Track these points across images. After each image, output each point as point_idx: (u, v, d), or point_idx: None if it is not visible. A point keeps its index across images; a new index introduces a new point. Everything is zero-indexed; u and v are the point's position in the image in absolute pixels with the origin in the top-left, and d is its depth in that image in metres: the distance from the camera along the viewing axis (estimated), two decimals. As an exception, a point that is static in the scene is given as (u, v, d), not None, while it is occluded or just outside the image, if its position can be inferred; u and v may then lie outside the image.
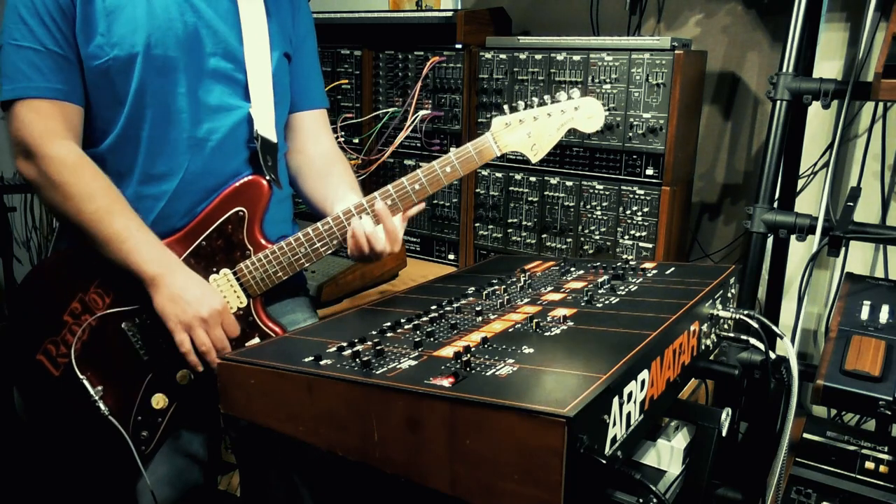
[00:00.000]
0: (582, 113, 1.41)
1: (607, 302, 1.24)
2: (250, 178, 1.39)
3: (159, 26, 1.30)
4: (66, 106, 1.29)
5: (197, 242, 1.36)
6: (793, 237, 1.68)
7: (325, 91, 1.65)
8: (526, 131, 1.40)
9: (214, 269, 1.37)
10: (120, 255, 1.27)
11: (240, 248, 1.37)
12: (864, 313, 1.44)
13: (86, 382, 1.31)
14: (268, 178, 1.39)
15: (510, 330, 1.11)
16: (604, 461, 0.80)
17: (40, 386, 1.36)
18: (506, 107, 1.41)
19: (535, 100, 1.42)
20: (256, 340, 1.38)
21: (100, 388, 1.33)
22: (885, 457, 1.45)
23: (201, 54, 1.35)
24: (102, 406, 1.31)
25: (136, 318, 1.35)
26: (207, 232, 1.36)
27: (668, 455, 1.20)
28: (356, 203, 1.38)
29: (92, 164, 1.30)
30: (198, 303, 1.29)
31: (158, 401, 1.35)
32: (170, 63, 1.32)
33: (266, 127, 1.40)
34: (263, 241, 1.38)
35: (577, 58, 1.94)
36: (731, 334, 1.37)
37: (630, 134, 1.89)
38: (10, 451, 2.89)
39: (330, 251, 1.39)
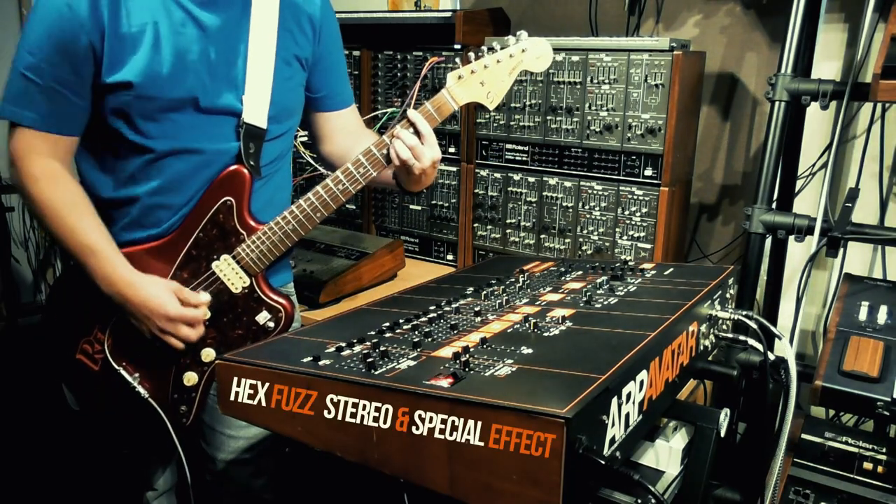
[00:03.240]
0: (530, 54, 1.44)
1: (606, 302, 1.24)
2: (232, 168, 1.44)
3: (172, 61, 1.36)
4: (57, 138, 1.37)
5: (195, 235, 1.43)
6: (791, 238, 1.68)
7: (350, 89, 1.72)
8: (479, 80, 1.44)
9: (215, 257, 1.44)
10: (86, 270, 1.38)
11: (234, 234, 1.44)
12: (863, 314, 1.44)
13: (123, 372, 1.45)
14: (248, 165, 1.45)
15: (509, 330, 1.11)
16: (602, 462, 0.80)
17: (85, 381, 1.50)
18: (458, 59, 1.45)
19: (484, 48, 1.45)
20: (265, 314, 1.47)
21: (136, 375, 1.46)
22: (883, 457, 1.45)
23: (209, 84, 1.40)
24: (142, 390, 1.45)
25: None
26: (202, 224, 1.43)
27: (666, 455, 1.20)
28: (361, 152, 1.45)
29: (65, 179, 1.37)
30: (150, 317, 1.38)
31: (189, 378, 1.47)
32: (181, 93, 1.37)
33: (255, 115, 1.45)
34: (254, 224, 1.45)
35: (575, 58, 1.94)
36: (730, 335, 1.37)
37: (629, 135, 1.89)
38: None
39: (317, 223, 1.46)
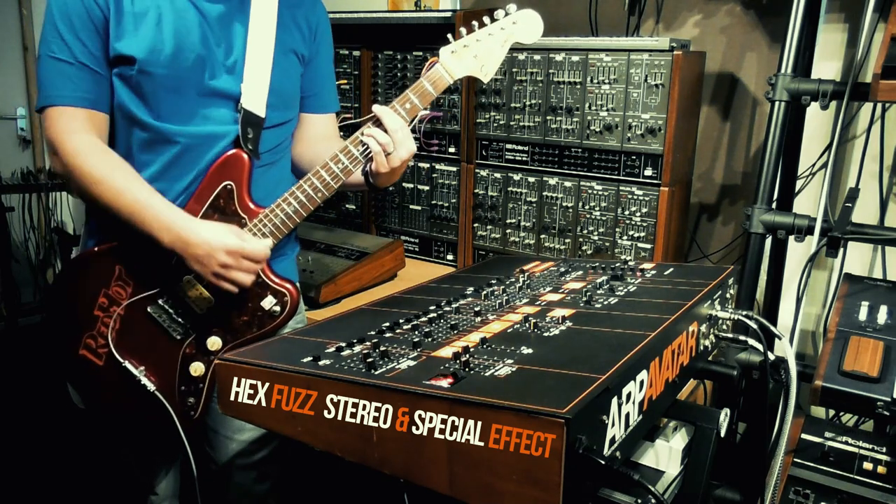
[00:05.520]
0: (521, 26, 1.48)
1: (606, 302, 1.24)
2: (231, 152, 1.45)
3: (178, 42, 1.38)
4: (92, 113, 1.40)
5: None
6: (791, 238, 1.68)
7: (336, 96, 1.73)
8: (472, 54, 1.48)
9: None
10: (141, 228, 1.37)
11: (235, 218, 1.44)
12: (863, 314, 1.44)
13: (128, 365, 1.44)
14: (247, 149, 1.45)
15: (509, 330, 1.11)
16: (602, 462, 0.80)
17: (90, 377, 1.48)
18: (449, 35, 1.48)
19: (475, 24, 1.48)
20: (270, 299, 1.46)
21: (142, 368, 1.45)
22: (884, 457, 1.45)
23: (210, 69, 1.43)
24: (148, 384, 1.44)
25: (158, 300, 1.44)
26: (203, 209, 1.43)
27: (666, 455, 1.20)
28: (347, 141, 1.47)
29: (103, 149, 1.39)
30: (212, 253, 1.36)
31: (196, 369, 1.46)
32: (182, 72, 1.40)
33: (254, 102, 1.46)
34: (254, 208, 1.45)
35: (575, 58, 1.94)
36: (730, 335, 1.37)
37: (629, 135, 1.89)
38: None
39: (318, 203, 1.46)
